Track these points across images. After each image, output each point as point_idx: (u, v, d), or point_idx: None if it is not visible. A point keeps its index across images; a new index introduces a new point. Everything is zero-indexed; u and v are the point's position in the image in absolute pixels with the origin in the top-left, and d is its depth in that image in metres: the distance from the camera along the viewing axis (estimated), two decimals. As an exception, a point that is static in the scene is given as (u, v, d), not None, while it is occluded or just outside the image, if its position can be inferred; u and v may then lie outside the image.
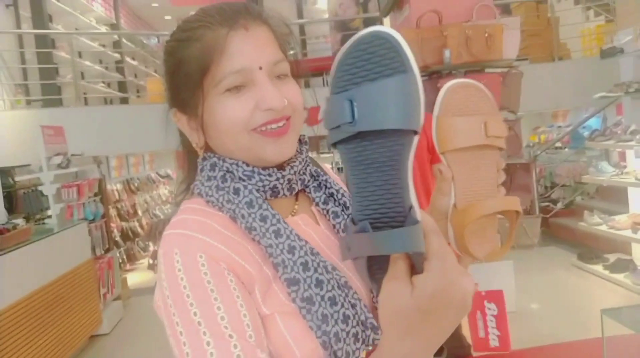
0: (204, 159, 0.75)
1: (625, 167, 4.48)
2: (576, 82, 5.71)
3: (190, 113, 0.73)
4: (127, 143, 6.13)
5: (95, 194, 4.82)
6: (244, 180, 0.72)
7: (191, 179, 0.79)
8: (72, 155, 4.64)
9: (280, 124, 0.70)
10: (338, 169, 7.05)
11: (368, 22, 7.26)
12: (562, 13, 7.41)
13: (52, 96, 7.08)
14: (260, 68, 0.69)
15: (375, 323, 0.67)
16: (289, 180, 0.74)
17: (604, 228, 4.44)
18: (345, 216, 0.78)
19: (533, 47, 6.81)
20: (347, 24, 8.36)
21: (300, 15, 10.24)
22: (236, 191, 0.71)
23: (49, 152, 4.20)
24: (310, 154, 0.82)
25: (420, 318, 0.53)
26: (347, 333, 0.65)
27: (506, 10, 7.18)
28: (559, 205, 5.69)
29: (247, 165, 0.72)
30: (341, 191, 0.81)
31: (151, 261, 6.63)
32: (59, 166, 4.29)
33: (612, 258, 4.57)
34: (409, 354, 0.55)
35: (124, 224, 7.11)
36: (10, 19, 7.29)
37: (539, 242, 5.20)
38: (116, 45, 9.16)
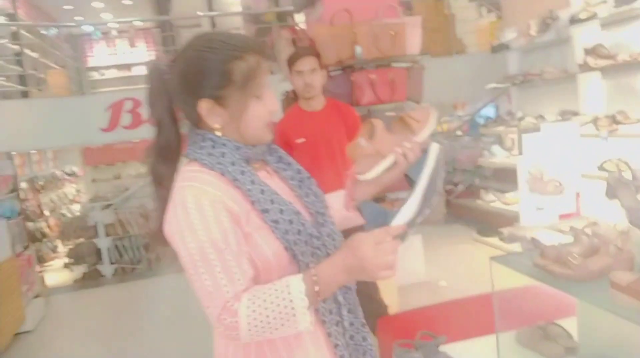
0: (197, 134, 1.10)
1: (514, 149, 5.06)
2: (471, 75, 6.11)
3: (225, 105, 1.07)
4: (31, 140, 5.87)
5: (11, 191, 4.66)
6: (233, 150, 1.09)
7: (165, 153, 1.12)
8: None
9: None
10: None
11: (281, 17, 7.39)
12: (458, 10, 8.01)
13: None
14: None
15: (318, 235, 1.11)
16: (257, 153, 1.16)
17: (498, 204, 5.00)
18: (291, 170, 1.20)
19: (433, 42, 7.31)
20: (260, 17, 8.43)
21: (210, 7, 10.06)
22: (223, 155, 1.08)
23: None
24: None
25: (345, 253, 0.99)
26: (300, 240, 1.07)
27: (408, 6, 7.64)
28: (460, 187, 6.27)
29: (235, 141, 1.10)
30: (285, 155, 1.23)
31: (67, 260, 6.42)
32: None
33: (506, 231, 5.14)
34: (337, 270, 0.99)
35: (30, 224, 6.81)
36: None
37: (444, 220, 5.73)
38: (14, 36, 8.61)
